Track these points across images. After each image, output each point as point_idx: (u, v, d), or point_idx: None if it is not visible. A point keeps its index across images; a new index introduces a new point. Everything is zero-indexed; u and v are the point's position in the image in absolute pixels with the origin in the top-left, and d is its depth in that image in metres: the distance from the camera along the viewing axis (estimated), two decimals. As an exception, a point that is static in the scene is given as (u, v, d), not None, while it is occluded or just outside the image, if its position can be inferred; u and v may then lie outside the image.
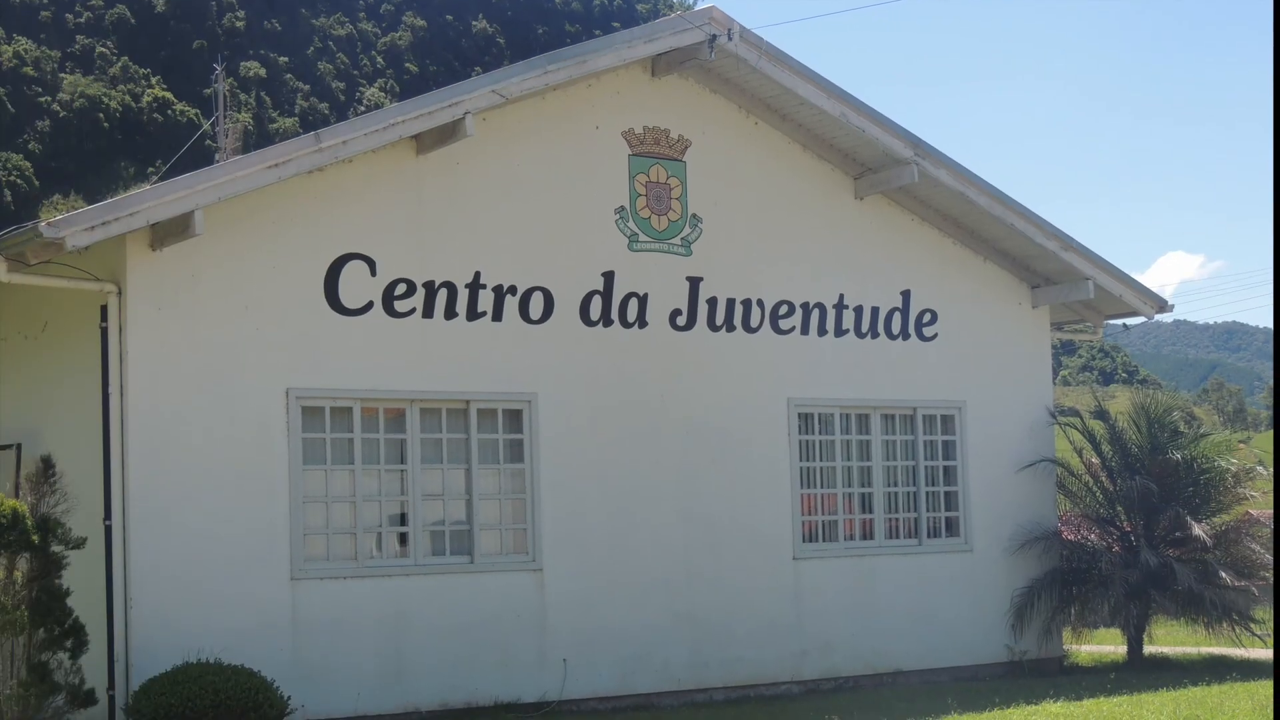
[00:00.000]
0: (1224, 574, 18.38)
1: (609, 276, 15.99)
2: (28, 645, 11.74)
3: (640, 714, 14.99)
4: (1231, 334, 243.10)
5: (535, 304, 15.52)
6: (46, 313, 14.49)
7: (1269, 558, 18.63)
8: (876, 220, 18.08)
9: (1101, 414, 20.19)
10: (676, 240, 16.50)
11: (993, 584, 18.25)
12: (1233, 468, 19.29)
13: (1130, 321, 20.39)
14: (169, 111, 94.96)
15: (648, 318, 16.23)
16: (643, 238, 16.28)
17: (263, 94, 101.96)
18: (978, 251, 18.79)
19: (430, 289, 14.92)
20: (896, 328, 18.02)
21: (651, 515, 16.03)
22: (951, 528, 18.20)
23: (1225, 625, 18.63)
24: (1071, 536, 19.41)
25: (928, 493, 18.03)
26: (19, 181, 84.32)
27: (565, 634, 15.32)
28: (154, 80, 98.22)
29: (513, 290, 15.39)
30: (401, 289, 14.76)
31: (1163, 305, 19.65)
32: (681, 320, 16.45)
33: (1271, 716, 12.36)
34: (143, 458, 13.29)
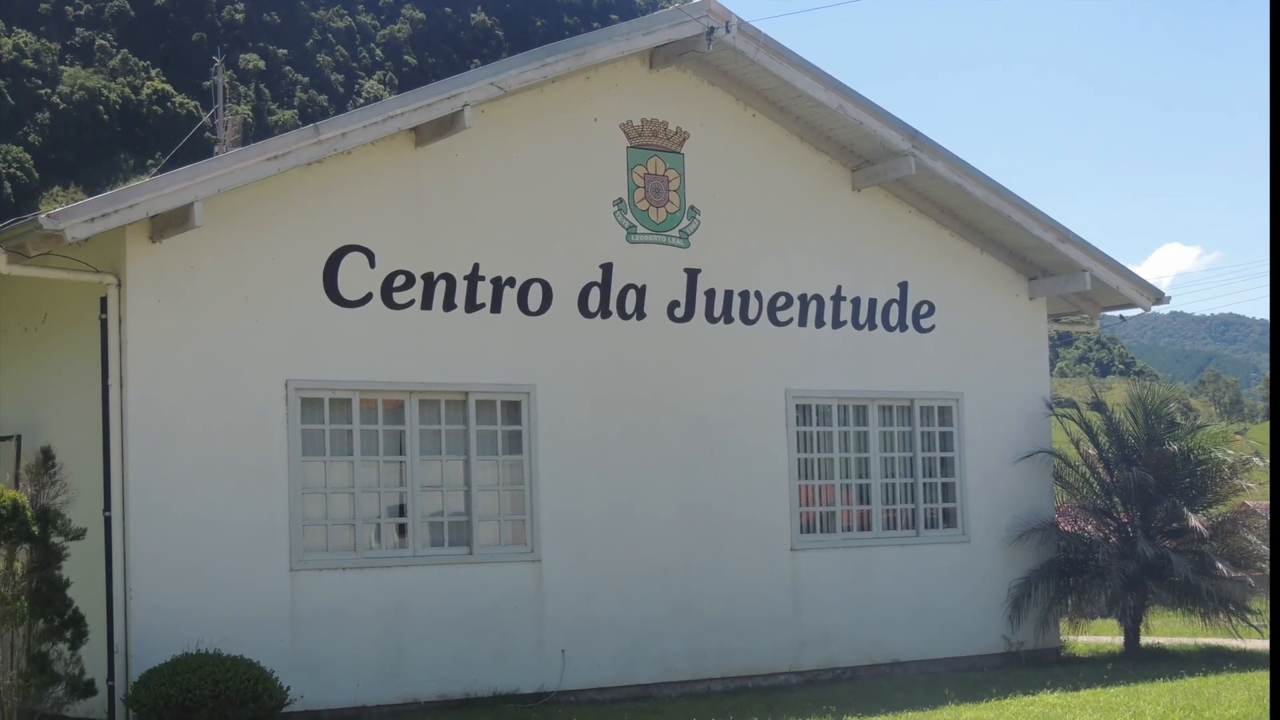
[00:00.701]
0: (1220, 565, 18.43)
1: (607, 268, 16.02)
2: (28, 636, 11.78)
3: (638, 705, 15.01)
4: (1228, 326, 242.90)
5: (534, 296, 15.54)
6: (46, 304, 14.52)
7: (1265, 549, 18.66)
8: (874, 212, 18.11)
9: (1098, 405, 20.21)
10: (674, 232, 16.52)
11: (990, 575, 18.30)
12: (1229, 459, 19.35)
13: (1127, 313, 20.38)
14: (168, 104, 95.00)
15: (646, 309, 16.25)
16: (641, 230, 16.31)
17: (262, 86, 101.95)
18: (975, 243, 18.82)
19: (429, 281, 14.94)
20: (894, 319, 18.05)
21: (650, 506, 16.06)
22: (949, 519, 18.24)
23: (1222, 616, 18.67)
24: (1068, 527, 19.44)
25: (925, 484, 18.07)
26: (19, 173, 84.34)
27: (563, 625, 15.36)
28: (153, 73, 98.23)
29: (511, 282, 15.41)
30: (400, 281, 14.78)
31: (1159, 297, 19.66)
32: (680, 312, 16.48)
33: (1268, 706, 12.38)
34: (142, 449, 13.32)
